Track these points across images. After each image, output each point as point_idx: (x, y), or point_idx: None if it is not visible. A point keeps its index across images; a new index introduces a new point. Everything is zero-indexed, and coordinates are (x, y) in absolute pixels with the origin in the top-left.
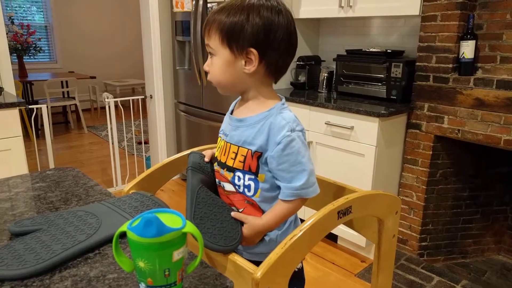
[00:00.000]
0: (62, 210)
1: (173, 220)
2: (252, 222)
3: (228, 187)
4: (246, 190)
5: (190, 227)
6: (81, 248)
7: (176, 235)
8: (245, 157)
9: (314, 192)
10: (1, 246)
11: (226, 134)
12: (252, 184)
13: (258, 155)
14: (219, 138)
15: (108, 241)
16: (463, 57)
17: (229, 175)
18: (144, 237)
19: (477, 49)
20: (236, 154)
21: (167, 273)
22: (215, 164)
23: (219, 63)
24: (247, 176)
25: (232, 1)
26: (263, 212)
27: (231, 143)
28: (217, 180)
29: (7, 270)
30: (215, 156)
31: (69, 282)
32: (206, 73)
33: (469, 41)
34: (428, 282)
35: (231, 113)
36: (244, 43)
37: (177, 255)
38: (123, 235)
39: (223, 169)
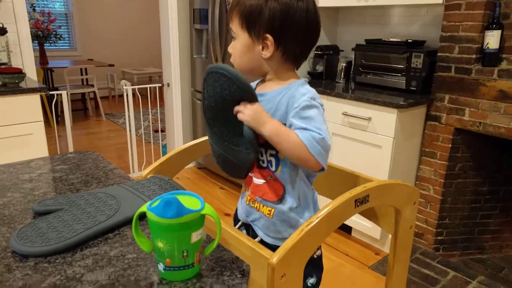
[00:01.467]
0: (83, 192)
1: (192, 202)
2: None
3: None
4: (269, 165)
5: (208, 209)
6: (102, 228)
7: (195, 216)
8: None
9: (323, 160)
10: (25, 224)
11: None
12: (273, 160)
13: None
14: None
15: (127, 222)
16: (488, 47)
17: None
18: (164, 218)
19: (502, 39)
20: None
21: (185, 254)
22: None
23: (239, 47)
24: (268, 152)
25: None
26: (284, 188)
27: None
28: None
29: (31, 247)
30: None
31: (90, 260)
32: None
33: (495, 31)
34: (443, 277)
35: None
36: (260, 29)
37: (195, 236)
38: (142, 216)
39: None
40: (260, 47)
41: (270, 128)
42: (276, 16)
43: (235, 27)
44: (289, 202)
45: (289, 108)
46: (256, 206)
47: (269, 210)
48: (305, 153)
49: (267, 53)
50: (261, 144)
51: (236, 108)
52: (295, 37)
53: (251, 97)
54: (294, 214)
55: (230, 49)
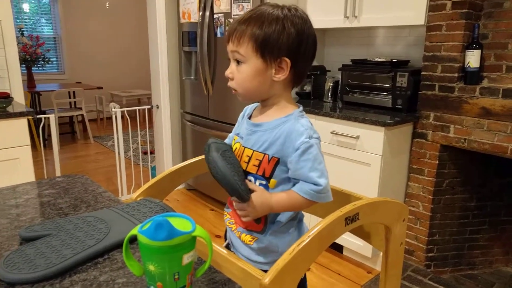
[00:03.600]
0: (72, 216)
1: (183, 224)
2: (262, 192)
3: None
4: None
5: (200, 231)
6: (91, 253)
7: (186, 238)
8: (261, 161)
9: (328, 198)
10: (12, 250)
11: (241, 137)
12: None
13: (276, 161)
14: (233, 140)
15: (117, 246)
16: (469, 66)
17: None
18: (155, 240)
19: (482, 58)
20: (250, 158)
21: (176, 276)
22: None
23: (248, 71)
24: (258, 181)
25: (261, 11)
26: (265, 219)
27: (246, 147)
28: None
29: (18, 274)
30: None
31: (79, 286)
32: (227, 79)
33: (475, 51)
34: None
35: (249, 117)
36: (279, 53)
37: (186, 258)
38: (132, 240)
39: None
40: (273, 70)
41: (276, 208)
42: (294, 41)
43: (246, 51)
44: (271, 230)
45: (286, 146)
46: (239, 235)
47: (251, 238)
48: (311, 205)
49: (281, 76)
50: (251, 173)
51: (239, 213)
52: (306, 58)
53: (243, 197)
54: (276, 241)
55: (230, 73)
